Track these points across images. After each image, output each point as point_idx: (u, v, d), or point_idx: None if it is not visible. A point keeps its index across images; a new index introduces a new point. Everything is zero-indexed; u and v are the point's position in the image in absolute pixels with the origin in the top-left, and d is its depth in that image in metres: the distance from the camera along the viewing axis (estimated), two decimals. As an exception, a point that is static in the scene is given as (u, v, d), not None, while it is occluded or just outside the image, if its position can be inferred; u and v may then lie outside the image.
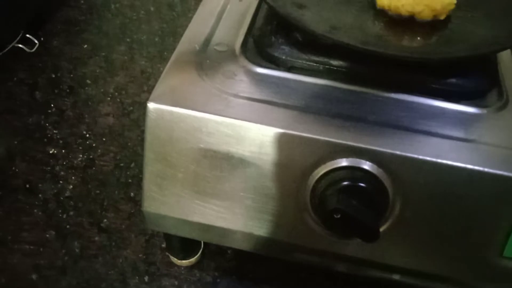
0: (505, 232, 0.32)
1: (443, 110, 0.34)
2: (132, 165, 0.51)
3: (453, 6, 0.36)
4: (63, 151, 0.52)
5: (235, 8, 0.42)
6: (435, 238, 0.33)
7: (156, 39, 0.66)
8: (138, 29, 0.67)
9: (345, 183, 0.31)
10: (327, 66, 0.35)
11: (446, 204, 0.32)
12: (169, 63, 0.36)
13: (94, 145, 0.53)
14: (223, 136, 0.33)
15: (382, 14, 0.36)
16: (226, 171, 0.34)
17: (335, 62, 0.35)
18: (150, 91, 0.59)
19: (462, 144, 0.32)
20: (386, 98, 0.34)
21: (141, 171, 0.51)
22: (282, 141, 0.33)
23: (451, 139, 0.33)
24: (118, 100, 0.57)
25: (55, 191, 0.48)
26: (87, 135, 0.53)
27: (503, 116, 0.34)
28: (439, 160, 0.31)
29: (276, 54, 0.36)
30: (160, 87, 0.34)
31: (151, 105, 0.33)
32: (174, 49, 0.64)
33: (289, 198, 0.34)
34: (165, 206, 0.36)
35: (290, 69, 0.36)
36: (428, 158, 0.31)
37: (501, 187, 0.31)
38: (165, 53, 0.64)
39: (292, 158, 0.33)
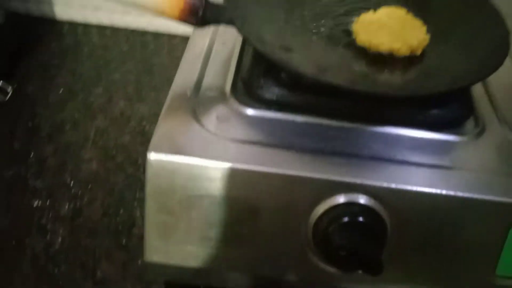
0: (496, 251, 0.34)
1: (428, 140, 0.36)
2: (121, 211, 0.51)
3: (427, 41, 0.38)
4: (48, 202, 0.50)
5: (220, 51, 0.43)
6: (432, 264, 0.35)
7: (133, 79, 0.66)
8: (113, 70, 0.67)
9: (346, 219, 0.32)
10: (317, 105, 0.36)
11: (440, 230, 0.34)
12: (163, 111, 0.37)
13: (79, 193, 0.52)
14: (224, 181, 0.33)
15: (363, 52, 0.38)
16: (229, 216, 0.34)
17: (325, 101, 0.36)
18: (131, 132, 0.60)
19: (448, 172, 0.34)
20: (375, 132, 0.36)
21: (130, 217, 0.51)
22: (282, 182, 0.33)
23: (437, 167, 0.34)
24: (100, 144, 0.57)
25: (44, 245, 0.47)
26: (72, 183, 0.52)
27: (481, 142, 0.36)
28: (429, 190, 0.33)
29: (266, 95, 0.37)
30: (157, 136, 0.35)
31: (151, 156, 0.33)
32: (151, 87, 0.65)
33: (291, 237, 0.34)
34: (168, 255, 0.35)
35: (281, 109, 0.37)
36: (419, 189, 0.33)
37: (487, 210, 0.33)
38: (143, 92, 0.64)
39: (292, 198, 0.34)
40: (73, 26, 0.73)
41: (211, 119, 0.36)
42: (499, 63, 0.35)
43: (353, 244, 0.31)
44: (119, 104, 0.62)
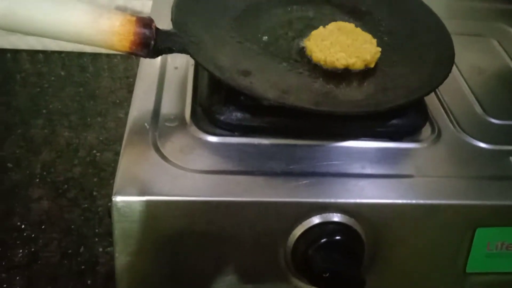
0: (465, 251, 0.35)
1: (391, 150, 0.37)
2: (82, 249, 0.48)
3: (379, 54, 0.39)
4: (-1, 250, 0.47)
5: (173, 77, 0.41)
6: (407, 269, 0.36)
7: (75, 105, 0.62)
8: (53, 98, 0.63)
9: (324, 240, 0.33)
10: (281, 126, 0.36)
11: (411, 237, 0.35)
12: (123, 148, 0.35)
13: (33, 236, 0.48)
14: (198, 216, 0.33)
15: (319, 68, 0.39)
16: (205, 250, 0.33)
17: (289, 121, 0.36)
18: (81, 164, 0.57)
19: (412, 180, 0.35)
20: (341, 148, 0.37)
21: (92, 255, 0.48)
22: (256, 210, 0.33)
23: (402, 177, 0.35)
24: (49, 180, 0.53)
25: (0, 298, 0.44)
26: (23, 226, 0.49)
27: (439, 147, 0.38)
28: (397, 201, 0.34)
29: (229, 121, 0.36)
30: (121, 178, 0.33)
31: (117, 199, 0.32)
32: (97, 113, 0.62)
33: (271, 262, 0.34)
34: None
35: (245, 133, 0.36)
36: (388, 201, 0.34)
37: (454, 213, 0.34)
38: (89, 119, 0.61)
39: (268, 224, 0.33)
40: (0, 53, 0.68)
41: (175, 152, 0.35)
42: (448, 71, 0.37)
43: (334, 265, 0.32)
44: (63, 135, 0.58)
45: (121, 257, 0.33)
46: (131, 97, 0.39)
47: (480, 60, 0.48)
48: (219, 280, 0.34)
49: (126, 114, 0.62)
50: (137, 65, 0.69)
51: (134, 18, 0.34)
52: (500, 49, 0.50)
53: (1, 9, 0.31)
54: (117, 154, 0.57)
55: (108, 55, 0.70)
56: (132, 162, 0.34)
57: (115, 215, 0.32)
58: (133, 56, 0.70)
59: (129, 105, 0.62)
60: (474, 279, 0.36)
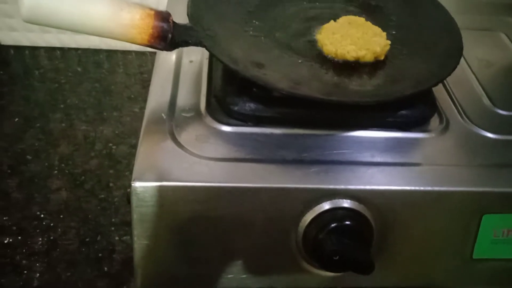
0: (472, 238, 0.36)
1: (399, 139, 0.38)
2: (99, 238, 0.49)
3: (388, 47, 0.40)
4: (19, 237, 0.48)
5: (188, 71, 0.43)
6: (415, 255, 0.37)
7: (92, 100, 0.64)
8: (70, 93, 0.65)
9: (334, 224, 0.34)
10: (293, 116, 0.37)
11: (419, 223, 0.36)
12: (141, 137, 0.37)
13: (52, 224, 0.50)
14: (212, 201, 0.34)
15: (330, 61, 0.40)
16: (219, 233, 0.35)
17: (300, 112, 0.37)
18: (98, 156, 0.58)
19: (421, 168, 0.36)
20: (351, 137, 0.38)
21: (109, 243, 0.50)
22: (269, 196, 0.34)
23: (411, 165, 0.37)
24: (67, 171, 0.55)
25: (21, 283, 0.45)
26: (42, 215, 0.51)
27: (447, 137, 0.39)
28: (406, 188, 0.35)
29: (242, 111, 0.38)
30: (139, 164, 0.34)
31: (137, 185, 0.33)
32: (112, 107, 0.64)
33: (282, 247, 0.35)
34: (161, 280, 0.35)
35: (258, 123, 0.38)
36: (398, 187, 0.35)
37: (461, 200, 0.35)
38: (105, 113, 0.62)
39: (280, 209, 0.35)
40: (19, 50, 0.70)
41: (191, 141, 0.36)
42: (456, 63, 0.38)
43: (344, 248, 0.33)
44: (81, 128, 0.60)
45: (139, 241, 0.35)
46: (145, 92, 0.41)
47: (489, 54, 0.49)
48: (232, 263, 0.36)
49: (141, 108, 0.64)
50: (151, 62, 0.71)
51: (153, 12, 0.35)
52: (508, 42, 0.50)
53: (28, 2, 0.33)
54: (132, 147, 0.60)
55: (123, 52, 0.72)
56: (150, 150, 0.36)
57: (134, 200, 0.34)
58: (147, 53, 0.72)
59: (143, 100, 0.64)
60: (480, 265, 0.37)
